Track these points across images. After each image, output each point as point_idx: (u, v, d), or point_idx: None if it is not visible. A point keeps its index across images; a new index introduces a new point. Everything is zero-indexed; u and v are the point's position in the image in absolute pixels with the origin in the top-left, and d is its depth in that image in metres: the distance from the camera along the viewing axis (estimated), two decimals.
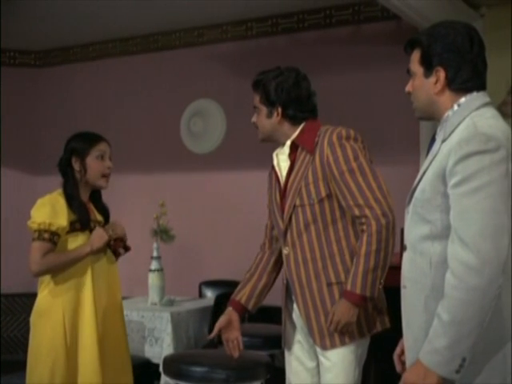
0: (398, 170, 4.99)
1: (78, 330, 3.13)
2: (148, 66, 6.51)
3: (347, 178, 2.77)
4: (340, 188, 2.79)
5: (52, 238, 3.10)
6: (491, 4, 4.91)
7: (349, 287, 2.74)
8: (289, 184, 2.88)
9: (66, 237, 3.15)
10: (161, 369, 4.22)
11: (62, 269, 3.13)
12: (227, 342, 3.00)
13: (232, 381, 3.47)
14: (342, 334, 2.79)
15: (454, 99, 2.10)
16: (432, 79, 2.11)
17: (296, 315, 2.94)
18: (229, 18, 6.02)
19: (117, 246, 3.25)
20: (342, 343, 2.80)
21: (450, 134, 2.05)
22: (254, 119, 2.98)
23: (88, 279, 3.16)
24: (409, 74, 2.19)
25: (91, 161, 3.23)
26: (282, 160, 2.94)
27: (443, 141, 2.07)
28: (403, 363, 2.24)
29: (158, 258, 4.96)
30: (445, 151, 2.01)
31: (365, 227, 2.74)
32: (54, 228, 3.10)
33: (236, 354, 3.00)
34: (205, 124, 6.20)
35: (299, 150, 2.88)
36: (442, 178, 2.00)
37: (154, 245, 5.00)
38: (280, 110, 2.88)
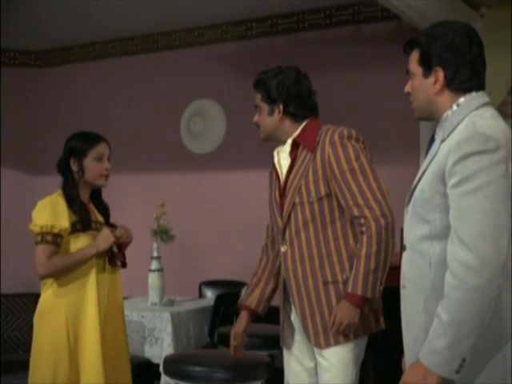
0: (398, 169, 4.99)
1: (81, 331, 3.12)
2: (148, 66, 6.51)
3: (348, 177, 2.78)
4: (340, 187, 2.79)
5: (55, 240, 3.10)
6: (491, 4, 4.91)
7: (350, 289, 2.75)
8: (289, 182, 2.89)
9: (67, 238, 3.14)
10: (161, 369, 4.22)
11: (68, 270, 3.12)
12: (234, 337, 3.06)
13: (232, 381, 3.47)
14: (337, 333, 2.79)
15: (453, 99, 2.10)
16: (431, 79, 2.11)
17: (294, 315, 2.95)
18: (229, 18, 6.02)
19: (117, 258, 3.24)
20: (337, 342, 2.81)
21: (449, 134, 2.05)
22: (255, 119, 2.99)
23: (92, 280, 3.15)
24: (408, 74, 2.19)
25: (89, 162, 3.21)
26: (282, 158, 2.95)
27: (442, 141, 2.06)
28: None
29: (158, 258, 4.97)
30: (444, 151, 2.01)
31: (364, 229, 2.75)
32: (56, 230, 3.09)
33: (238, 354, 3.04)
34: (205, 124, 6.20)
35: (300, 148, 2.89)
36: (442, 178, 2.00)
37: (154, 245, 5.00)
38: (281, 107, 2.89)
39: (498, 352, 1.98)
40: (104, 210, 3.36)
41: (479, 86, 2.11)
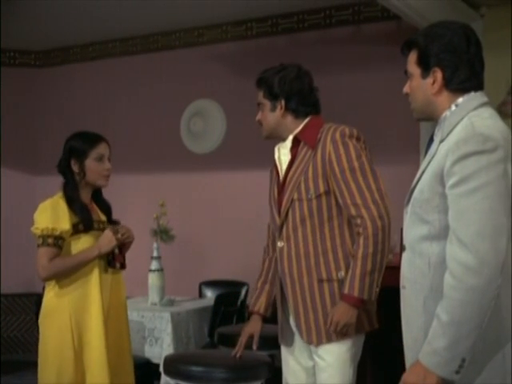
0: (398, 169, 4.99)
1: (85, 331, 3.12)
2: (148, 66, 6.51)
3: (348, 176, 2.79)
4: (339, 186, 2.80)
5: (56, 242, 3.10)
6: (491, 4, 4.91)
7: (346, 290, 2.75)
8: (288, 178, 2.90)
9: (69, 239, 3.14)
10: (161, 369, 4.22)
11: (70, 272, 3.12)
12: (244, 335, 3.08)
13: (232, 381, 3.47)
14: (335, 333, 2.79)
15: (451, 99, 2.10)
16: (429, 80, 2.11)
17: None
18: (229, 18, 6.02)
19: (117, 259, 3.23)
20: (329, 340, 2.82)
21: (447, 135, 2.05)
22: (258, 117, 3.01)
23: (95, 280, 3.15)
24: (406, 75, 2.19)
25: (90, 163, 3.20)
26: (283, 154, 2.96)
27: (441, 141, 2.07)
28: None
29: (158, 258, 4.97)
30: (443, 151, 2.02)
31: (361, 230, 2.76)
32: (57, 233, 3.09)
33: (254, 347, 3.06)
34: (205, 124, 6.20)
35: (301, 145, 2.90)
36: (440, 178, 2.00)
37: (154, 245, 5.00)
38: (283, 102, 2.91)
39: (498, 352, 1.98)
40: (106, 209, 3.35)
41: (478, 86, 2.11)
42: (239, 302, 5.25)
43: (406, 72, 2.19)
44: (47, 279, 3.16)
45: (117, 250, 3.23)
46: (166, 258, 5.11)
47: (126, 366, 3.29)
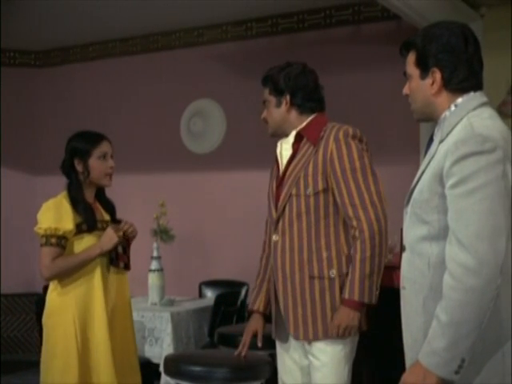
0: (398, 169, 4.99)
1: (89, 330, 3.12)
2: (148, 66, 6.51)
3: (348, 176, 2.80)
4: (339, 185, 2.81)
5: (59, 242, 3.11)
6: (491, 4, 4.91)
7: (347, 295, 2.77)
8: (288, 172, 2.91)
9: (73, 239, 3.15)
10: (161, 368, 4.22)
11: (73, 271, 3.13)
12: (247, 333, 3.10)
13: (232, 381, 3.47)
14: (316, 328, 2.81)
15: (451, 99, 2.10)
16: (428, 80, 2.11)
17: None
18: (229, 18, 6.02)
19: (121, 259, 3.23)
20: (315, 337, 2.83)
21: (447, 135, 2.05)
22: (263, 115, 3.03)
23: (97, 279, 3.16)
24: (405, 76, 2.19)
25: (94, 162, 3.22)
26: (284, 149, 2.97)
27: (440, 141, 2.07)
28: None
29: (158, 258, 4.97)
30: (442, 152, 2.02)
31: (357, 233, 2.77)
32: (60, 232, 3.10)
33: (259, 344, 3.07)
34: (205, 124, 6.20)
35: (303, 141, 2.92)
36: (440, 178, 2.00)
37: (154, 245, 5.00)
38: (288, 98, 2.94)
39: (497, 352, 1.98)
40: (110, 208, 3.36)
41: (477, 86, 2.11)
42: (239, 302, 5.25)
43: (404, 73, 2.19)
44: (50, 279, 3.16)
45: (121, 250, 3.23)
46: (165, 258, 5.11)
47: (132, 365, 3.29)
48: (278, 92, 2.95)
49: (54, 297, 3.17)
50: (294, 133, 2.94)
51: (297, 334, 2.87)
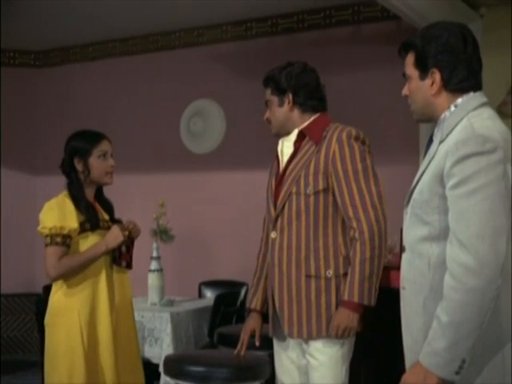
0: (397, 169, 4.99)
1: (94, 329, 3.11)
2: (148, 66, 6.51)
3: (350, 177, 2.81)
4: (340, 185, 2.82)
5: (65, 241, 3.09)
6: (491, 4, 4.91)
7: (346, 297, 2.77)
8: (288, 170, 2.92)
9: (76, 238, 3.14)
10: (160, 369, 4.22)
11: (78, 270, 3.11)
12: (245, 332, 3.10)
13: (232, 381, 3.47)
14: (310, 327, 2.81)
15: (450, 100, 2.10)
16: (428, 81, 2.11)
17: None
18: (228, 18, 6.02)
19: (123, 258, 3.23)
20: (309, 336, 2.84)
21: (447, 135, 2.05)
22: (266, 115, 3.04)
23: (102, 278, 3.15)
24: (404, 77, 2.19)
25: (94, 161, 3.21)
26: (286, 146, 2.98)
27: (441, 142, 2.06)
28: None
29: (158, 258, 4.97)
30: (442, 152, 2.02)
31: (357, 235, 2.78)
32: (65, 231, 3.09)
33: (257, 343, 3.08)
34: (204, 124, 6.20)
35: (305, 139, 2.93)
36: (440, 179, 2.00)
37: (154, 245, 5.00)
38: (290, 96, 2.95)
39: (497, 353, 1.98)
40: (109, 208, 3.36)
41: (476, 86, 2.11)
42: (239, 302, 5.25)
43: (404, 74, 2.19)
44: (57, 279, 3.14)
45: (124, 249, 3.22)
46: (165, 258, 5.11)
47: (135, 365, 3.29)
48: (280, 91, 2.96)
49: (60, 297, 3.15)
50: (296, 131, 2.95)
51: (291, 332, 2.87)
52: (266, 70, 3.07)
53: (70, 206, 3.15)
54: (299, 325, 2.85)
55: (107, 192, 3.39)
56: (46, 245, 3.11)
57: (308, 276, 2.84)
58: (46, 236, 3.10)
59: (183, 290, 5.69)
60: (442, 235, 2.00)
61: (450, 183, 1.96)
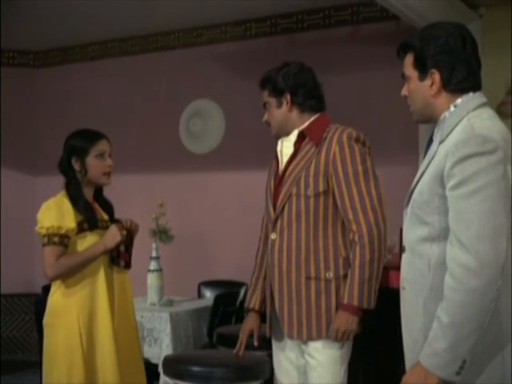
0: (397, 170, 4.99)
1: (93, 330, 3.10)
2: (147, 66, 6.50)
3: (350, 179, 2.80)
4: (340, 187, 2.81)
5: (62, 241, 3.08)
6: (490, 4, 4.91)
7: (346, 300, 2.77)
8: (288, 171, 2.91)
9: (74, 238, 3.13)
10: (160, 369, 4.22)
11: (76, 270, 3.10)
12: (244, 333, 3.10)
13: (231, 381, 3.47)
14: (310, 328, 2.81)
15: (450, 100, 2.10)
16: (427, 82, 2.11)
17: None
18: (228, 18, 6.02)
19: (122, 257, 3.22)
20: (309, 337, 2.84)
21: (447, 136, 2.05)
22: (265, 117, 3.02)
23: (101, 278, 3.14)
24: (403, 78, 2.19)
25: (91, 160, 3.19)
26: (285, 147, 2.97)
27: (440, 142, 2.06)
28: None
29: (157, 258, 4.96)
30: (442, 153, 2.02)
31: (356, 238, 2.78)
32: (62, 231, 3.08)
33: (256, 343, 3.09)
34: (204, 124, 6.20)
35: (305, 140, 2.91)
36: (440, 179, 2.00)
37: (153, 245, 5.00)
38: (289, 97, 2.93)
39: (497, 353, 1.99)
40: (108, 208, 3.34)
41: (476, 86, 2.11)
42: (238, 302, 5.25)
43: (403, 75, 2.18)
44: (55, 278, 3.14)
45: (123, 248, 3.21)
46: (164, 258, 5.11)
47: (137, 364, 3.28)
48: (278, 92, 2.94)
49: (58, 297, 3.14)
50: (296, 132, 2.94)
51: (291, 333, 2.87)
52: (265, 70, 3.06)
53: (67, 205, 3.13)
54: (299, 326, 2.85)
55: (106, 192, 3.38)
56: (44, 245, 3.10)
57: (308, 277, 2.84)
58: (44, 236, 3.09)
59: (182, 290, 5.69)
60: (442, 235, 2.00)
61: (450, 184, 1.96)
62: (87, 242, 3.15)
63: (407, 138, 5.24)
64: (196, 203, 6.18)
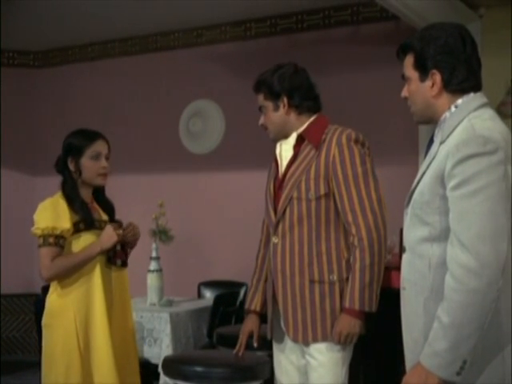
0: (397, 170, 5.00)
1: (90, 330, 3.10)
2: (147, 66, 6.50)
3: (350, 181, 2.79)
4: (340, 190, 2.80)
5: (58, 241, 3.07)
6: (490, 5, 4.91)
7: (347, 304, 2.77)
8: (288, 175, 2.88)
9: (70, 238, 3.12)
10: (160, 369, 4.22)
11: (73, 270, 3.09)
12: (244, 334, 3.10)
13: (231, 381, 3.47)
14: (315, 331, 2.81)
15: (451, 100, 2.10)
16: (428, 83, 2.11)
17: None
18: (228, 18, 6.02)
19: (118, 256, 3.20)
20: (314, 340, 2.83)
21: (448, 136, 2.05)
22: (261, 121, 2.98)
23: (97, 277, 3.13)
24: (403, 79, 2.18)
25: (86, 161, 3.16)
26: (284, 150, 2.94)
27: (441, 142, 2.06)
28: None
29: (157, 258, 4.96)
30: (443, 153, 2.01)
31: (356, 241, 2.77)
32: (58, 231, 3.07)
33: (255, 345, 3.08)
34: (204, 124, 6.20)
35: (305, 143, 2.89)
36: (441, 180, 2.00)
37: (153, 245, 5.00)
38: (285, 100, 2.89)
39: (497, 353, 1.99)
40: (109, 208, 3.32)
41: (476, 86, 2.11)
42: (238, 303, 5.25)
43: (403, 76, 2.18)
44: (51, 279, 3.13)
45: (119, 247, 3.19)
46: (164, 259, 5.11)
47: (132, 365, 3.27)
48: (274, 95, 2.89)
49: (55, 298, 3.14)
50: (294, 135, 2.91)
51: (296, 337, 2.86)
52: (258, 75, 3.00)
53: (63, 205, 3.12)
54: (304, 330, 2.83)
55: (106, 192, 3.37)
56: (39, 245, 3.10)
57: (312, 281, 2.82)
58: (39, 237, 3.09)
59: (182, 290, 5.69)
60: (443, 236, 2.00)
61: (450, 184, 1.96)
62: (82, 242, 3.13)
63: (407, 138, 5.24)
64: (196, 203, 6.18)
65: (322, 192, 2.82)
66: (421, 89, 2.13)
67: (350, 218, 2.78)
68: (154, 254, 4.96)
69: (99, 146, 3.20)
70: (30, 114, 6.95)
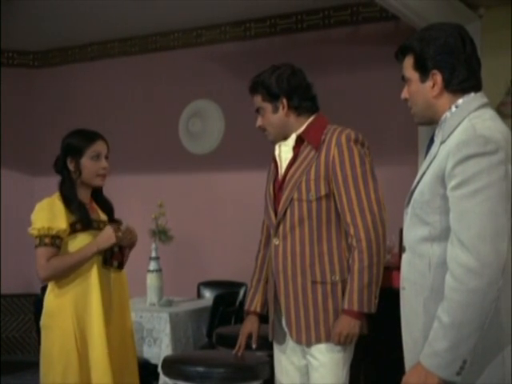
0: (396, 170, 5.00)
1: (87, 330, 3.09)
2: (147, 66, 6.51)
3: (349, 181, 2.78)
4: (339, 190, 2.79)
5: (54, 242, 3.07)
6: (490, 5, 4.91)
7: (346, 306, 2.76)
8: (288, 176, 2.87)
9: (67, 238, 3.11)
10: (159, 369, 4.22)
11: (70, 270, 3.09)
12: (243, 335, 3.09)
13: (231, 381, 3.47)
14: (318, 332, 2.80)
15: (451, 100, 2.09)
16: (429, 83, 2.11)
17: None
18: (227, 18, 6.02)
19: (115, 258, 3.19)
20: (318, 340, 2.82)
21: (448, 136, 2.05)
22: (258, 123, 2.95)
23: (94, 277, 3.12)
24: (403, 80, 2.18)
25: (86, 161, 3.15)
26: (284, 151, 2.92)
27: (442, 142, 2.06)
28: None
29: (157, 258, 4.96)
30: (443, 153, 2.01)
31: (354, 242, 2.77)
32: (53, 232, 3.06)
33: (254, 346, 3.08)
34: (203, 124, 6.20)
35: (304, 144, 2.88)
36: (441, 180, 2.00)
37: (153, 245, 5.00)
38: (285, 101, 2.87)
39: (497, 353, 1.99)
40: (108, 209, 3.32)
41: (476, 86, 2.11)
42: (238, 303, 5.25)
43: (403, 77, 2.18)
44: (47, 279, 3.13)
45: (116, 248, 3.18)
46: (164, 259, 5.11)
47: (130, 365, 3.26)
48: (273, 97, 2.87)
49: (52, 298, 3.14)
50: (294, 136, 2.90)
51: (299, 338, 2.86)
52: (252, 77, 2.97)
53: (60, 206, 3.11)
54: (307, 331, 2.83)
55: (106, 192, 3.36)
56: (36, 246, 3.09)
57: (314, 282, 2.82)
58: (36, 237, 3.08)
59: (182, 290, 5.69)
60: (443, 236, 2.00)
61: (451, 184, 1.96)
62: (78, 242, 3.12)
63: (407, 138, 5.24)
64: (196, 203, 6.19)
65: (323, 193, 2.81)
66: (421, 89, 2.12)
67: (348, 219, 2.78)
68: (153, 254, 4.96)
69: (99, 147, 3.20)
70: (29, 113, 6.95)
